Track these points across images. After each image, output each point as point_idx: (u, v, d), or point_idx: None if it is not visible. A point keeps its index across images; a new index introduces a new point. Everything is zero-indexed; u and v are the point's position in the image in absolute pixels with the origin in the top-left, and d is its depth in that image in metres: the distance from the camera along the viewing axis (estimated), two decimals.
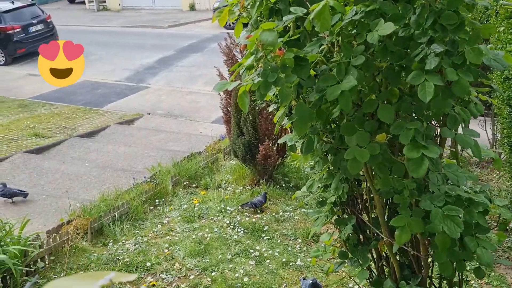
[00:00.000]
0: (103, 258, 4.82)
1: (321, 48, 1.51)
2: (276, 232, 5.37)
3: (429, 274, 2.08)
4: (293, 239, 5.26)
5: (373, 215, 2.16)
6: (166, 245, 5.11)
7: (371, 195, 2.06)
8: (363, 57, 1.44)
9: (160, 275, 4.58)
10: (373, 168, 1.78)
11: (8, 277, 4.17)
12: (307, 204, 6.06)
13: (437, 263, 1.76)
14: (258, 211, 5.81)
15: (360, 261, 2.16)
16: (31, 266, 4.46)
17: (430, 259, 2.08)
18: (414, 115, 1.67)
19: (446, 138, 1.87)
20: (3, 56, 15.04)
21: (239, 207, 5.89)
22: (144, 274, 4.60)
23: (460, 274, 2.18)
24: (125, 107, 11.26)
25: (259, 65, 1.45)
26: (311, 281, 3.79)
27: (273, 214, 5.77)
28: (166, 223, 5.65)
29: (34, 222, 5.73)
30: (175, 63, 14.70)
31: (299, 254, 4.94)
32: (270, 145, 6.29)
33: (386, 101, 1.64)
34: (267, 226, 5.49)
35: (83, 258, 4.84)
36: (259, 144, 6.26)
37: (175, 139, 9.01)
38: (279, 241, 5.19)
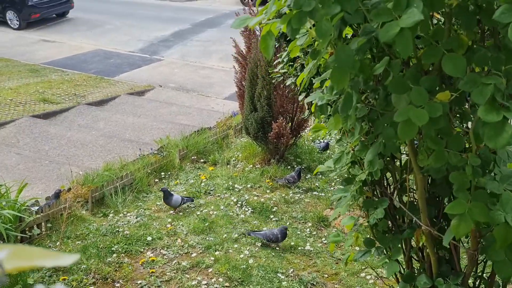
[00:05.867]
0: (102, 229, 4.59)
1: None
2: (285, 214, 5.09)
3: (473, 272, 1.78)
4: (303, 222, 4.98)
5: (405, 199, 1.85)
6: (169, 220, 4.86)
7: (405, 175, 1.76)
8: None
9: (161, 251, 4.34)
10: (419, 138, 1.46)
11: (1, 242, 3.96)
12: (318, 188, 5.77)
13: (488, 260, 1.46)
14: (291, 187, 5.57)
15: (388, 252, 1.86)
16: (27, 232, 4.24)
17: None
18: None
19: None
20: (17, 20, 14.79)
21: (274, 181, 5.69)
22: (144, 249, 4.36)
23: None
24: (137, 78, 10.99)
25: None
26: None
27: (283, 195, 5.49)
28: None
29: (35, 188, 5.53)
30: (190, 37, 14.35)
31: (308, 239, 4.66)
32: (284, 123, 5.97)
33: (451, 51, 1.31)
34: (276, 207, 5.21)
35: (82, 227, 4.61)
36: (273, 122, 5.95)
37: (185, 113, 8.73)
38: (287, 223, 4.91)
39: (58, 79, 10.46)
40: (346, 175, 1.88)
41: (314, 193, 5.60)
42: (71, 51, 12.94)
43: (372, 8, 1.17)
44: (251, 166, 6.18)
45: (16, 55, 12.31)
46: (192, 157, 6.39)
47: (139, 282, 3.90)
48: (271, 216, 5.04)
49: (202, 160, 6.40)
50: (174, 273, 4.04)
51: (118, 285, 3.86)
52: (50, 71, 11.14)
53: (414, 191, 1.78)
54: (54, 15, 15.81)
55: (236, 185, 5.64)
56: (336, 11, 1.09)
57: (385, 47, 1.43)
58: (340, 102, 1.39)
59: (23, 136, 7.18)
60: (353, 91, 1.36)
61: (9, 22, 14.84)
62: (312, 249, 4.48)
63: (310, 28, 1.30)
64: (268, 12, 1.23)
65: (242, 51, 6.59)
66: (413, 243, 2.03)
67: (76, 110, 8.44)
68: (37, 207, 4.48)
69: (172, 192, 5.06)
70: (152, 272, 4.03)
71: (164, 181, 5.77)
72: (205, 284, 3.89)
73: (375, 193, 1.93)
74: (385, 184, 1.94)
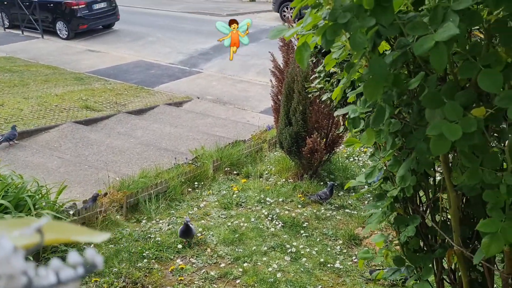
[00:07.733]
0: (134, 234, 4.69)
1: None
2: (316, 230, 5.04)
3: None
4: (334, 239, 4.92)
5: (438, 218, 1.81)
6: (200, 229, 4.91)
7: (438, 193, 1.72)
8: (470, 0, 1.09)
9: (190, 259, 4.39)
10: (453, 156, 1.44)
11: None
12: (351, 205, 5.69)
13: None
14: (323, 203, 5.54)
15: (419, 271, 1.81)
16: None
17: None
18: None
19: None
20: (66, 31, 15.48)
21: (306, 197, 5.65)
22: (174, 256, 4.42)
23: None
24: (175, 89, 11.24)
25: (327, 6, 1.14)
26: None
27: (314, 211, 5.44)
28: (203, 207, 5.46)
29: (73, 191, 5.71)
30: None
31: (338, 256, 4.59)
32: (319, 139, 5.95)
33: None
34: (306, 223, 5.17)
35: (115, 231, 4.73)
36: (307, 137, 5.94)
37: (221, 125, 8.85)
38: (318, 239, 4.87)
39: (101, 87, 10.83)
40: (377, 191, 1.86)
41: (346, 210, 5.53)
42: (114, 61, 13.41)
43: (408, 21, 1.17)
44: (284, 180, 6.18)
45: (63, 63, 12.88)
46: (226, 169, 6.45)
47: None
48: (302, 232, 5.01)
49: (235, 172, 6.45)
50: (202, 282, 4.06)
51: None
52: (93, 79, 11.57)
53: (447, 210, 1.74)
54: (101, 27, 16.46)
55: (267, 199, 5.64)
56: (371, 24, 1.10)
57: (422, 63, 1.43)
58: (372, 115, 1.39)
59: (65, 141, 7.46)
60: (386, 105, 1.35)
61: (58, 32, 15.55)
62: (342, 267, 4.41)
63: (346, 40, 1.32)
64: (304, 24, 1.26)
65: (279, 66, 6.65)
66: (445, 265, 1.98)
67: (116, 118, 8.71)
68: (74, 210, 4.64)
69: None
70: (181, 279, 4.08)
71: (197, 190, 5.85)
72: None
73: (406, 210, 1.89)
74: (418, 201, 1.90)
